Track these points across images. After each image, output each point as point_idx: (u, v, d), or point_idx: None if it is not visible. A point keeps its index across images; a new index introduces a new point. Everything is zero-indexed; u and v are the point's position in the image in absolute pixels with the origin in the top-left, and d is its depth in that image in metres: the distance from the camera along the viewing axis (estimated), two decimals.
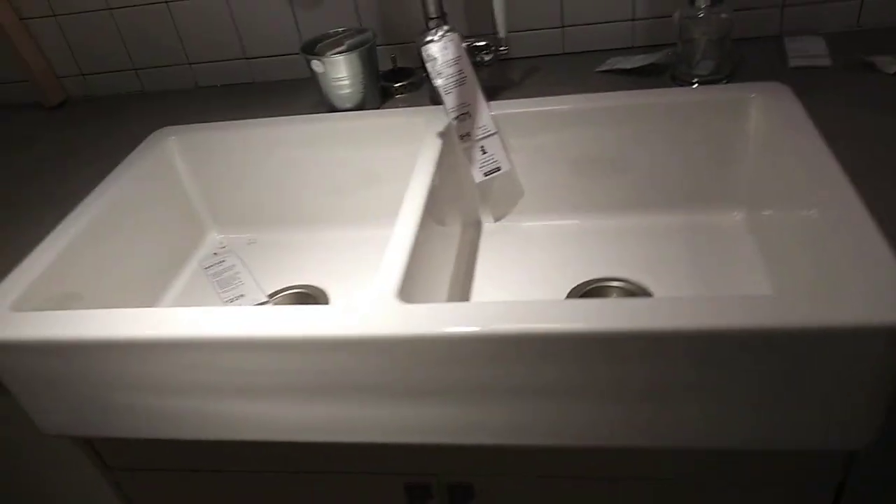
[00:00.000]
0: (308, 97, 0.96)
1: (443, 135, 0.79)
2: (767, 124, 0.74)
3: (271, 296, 0.86)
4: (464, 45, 0.79)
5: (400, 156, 0.86)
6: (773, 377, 0.52)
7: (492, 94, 0.86)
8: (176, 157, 0.91)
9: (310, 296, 0.86)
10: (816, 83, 0.77)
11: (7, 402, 0.76)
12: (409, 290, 0.59)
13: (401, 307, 0.56)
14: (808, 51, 0.83)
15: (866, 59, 0.80)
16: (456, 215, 0.84)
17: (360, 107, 0.89)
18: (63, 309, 0.65)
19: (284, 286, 0.87)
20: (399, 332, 0.54)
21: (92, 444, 0.78)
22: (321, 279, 0.87)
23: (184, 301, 0.87)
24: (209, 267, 0.92)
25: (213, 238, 0.97)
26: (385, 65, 0.95)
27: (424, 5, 0.80)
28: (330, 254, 0.91)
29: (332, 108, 0.90)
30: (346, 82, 0.87)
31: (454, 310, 0.55)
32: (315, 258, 0.91)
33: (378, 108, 0.91)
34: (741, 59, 0.84)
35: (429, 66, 0.79)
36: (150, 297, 0.85)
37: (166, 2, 1.00)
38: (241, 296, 0.87)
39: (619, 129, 0.81)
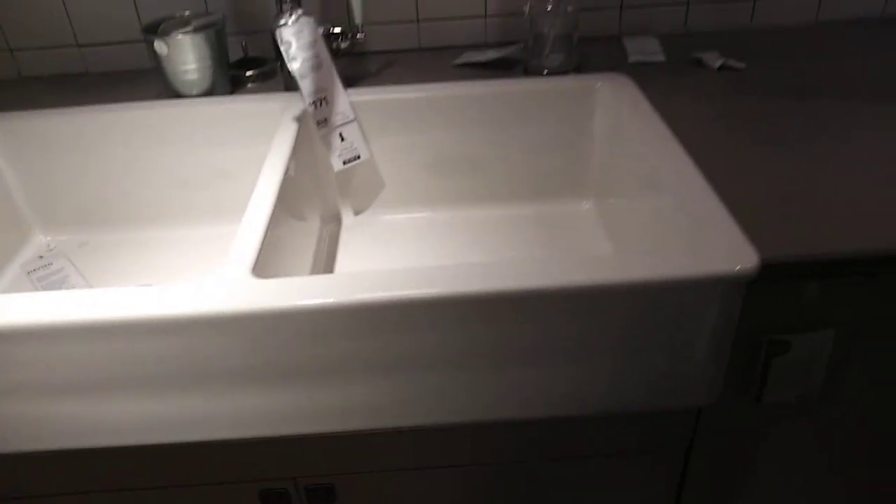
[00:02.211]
0: (150, 87, 0.89)
1: (299, 120, 0.76)
2: (613, 110, 0.78)
3: None
4: (320, 30, 0.77)
5: (253, 145, 0.81)
6: (621, 332, 0.54)
7: (349, 84, 0.84)
8: None
9: None
10: (653, 76, 0.83)
11: None
12: (264, 267, 0.56)
13: (255, 282, 0.52)
14: (645, 49, 0.89)
15: (695, 56, 0.87)
16: (314, 209, 0.81)
17: (208, 94, 0.84)
18: None
19: None
20: (256, 307, 0.50)
21: None
22: (167, 281, 0.80)
23: None
24: (33, 271, 0.82)
25: (39, 241, 0.87)
26: (235, 54, 0.91)
27: None
28: (175, 254, 0.84)
29: (178, 96, 0.84)
30: (193, 66, 0.81)
31: (309, 283, 0.51)
32: (159, 260, 0.83)
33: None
34: (587, 55, 0.89)
35: (283, 49, 0.76)
36: None
37: None
38: None
39: (474, 120, 0.82)
